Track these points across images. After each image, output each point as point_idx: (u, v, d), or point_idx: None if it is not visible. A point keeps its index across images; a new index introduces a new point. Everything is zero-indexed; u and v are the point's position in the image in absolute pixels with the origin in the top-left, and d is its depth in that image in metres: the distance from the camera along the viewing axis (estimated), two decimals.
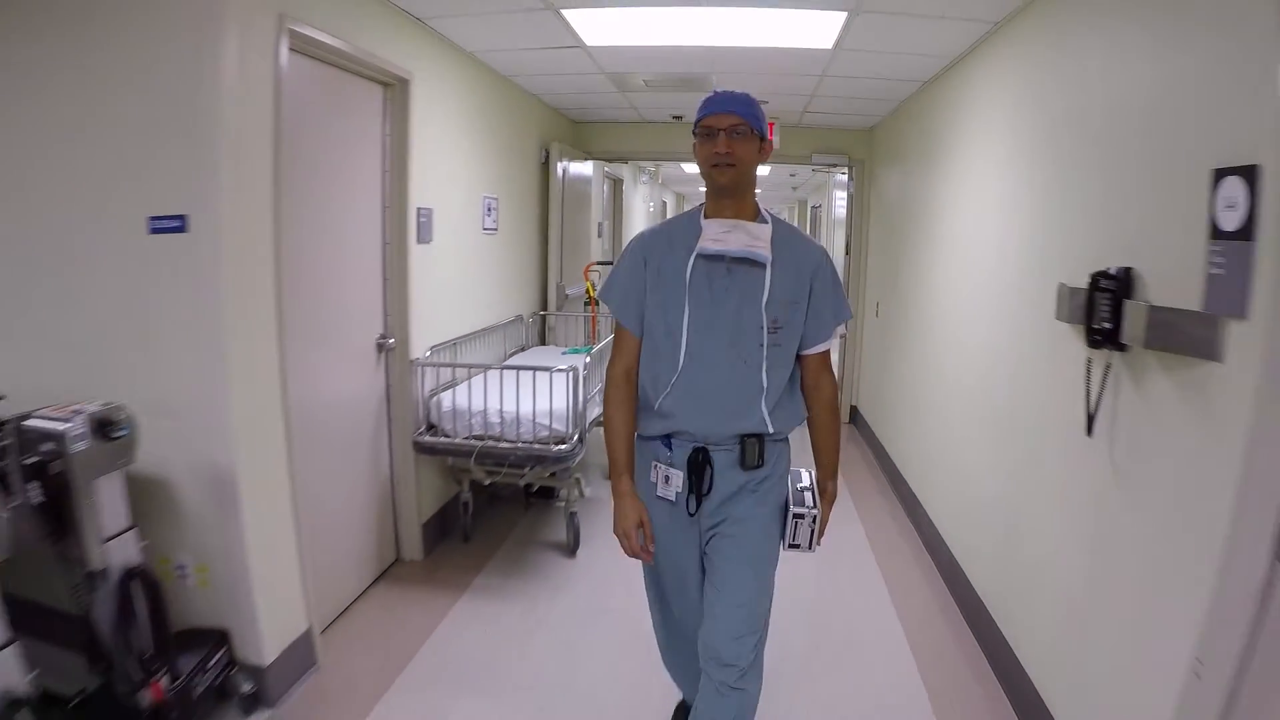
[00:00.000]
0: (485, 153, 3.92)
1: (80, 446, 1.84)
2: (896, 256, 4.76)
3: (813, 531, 1.79)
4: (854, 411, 6.04)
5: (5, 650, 1.73)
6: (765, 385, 1.71)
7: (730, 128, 1.66)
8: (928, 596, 3.15)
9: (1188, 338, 1.55)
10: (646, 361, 1.79)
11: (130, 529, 1.99)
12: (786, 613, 2.51)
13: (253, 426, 2.21)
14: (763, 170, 6.85)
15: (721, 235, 1.71)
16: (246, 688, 2.25)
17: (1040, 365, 2.36)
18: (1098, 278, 1.84)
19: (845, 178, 5.99)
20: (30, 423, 1.84)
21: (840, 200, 6.83)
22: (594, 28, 3.20)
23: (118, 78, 2.07)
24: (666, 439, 1.77)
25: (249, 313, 2.18)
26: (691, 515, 1.78)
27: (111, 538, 1.94)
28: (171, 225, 2.09)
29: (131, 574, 1.97)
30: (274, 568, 2.32)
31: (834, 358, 6.72)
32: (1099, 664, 1.89)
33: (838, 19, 2.90)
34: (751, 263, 1.70)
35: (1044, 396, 2.32)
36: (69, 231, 2.17)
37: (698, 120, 1.71)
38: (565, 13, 2.96)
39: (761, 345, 1.70)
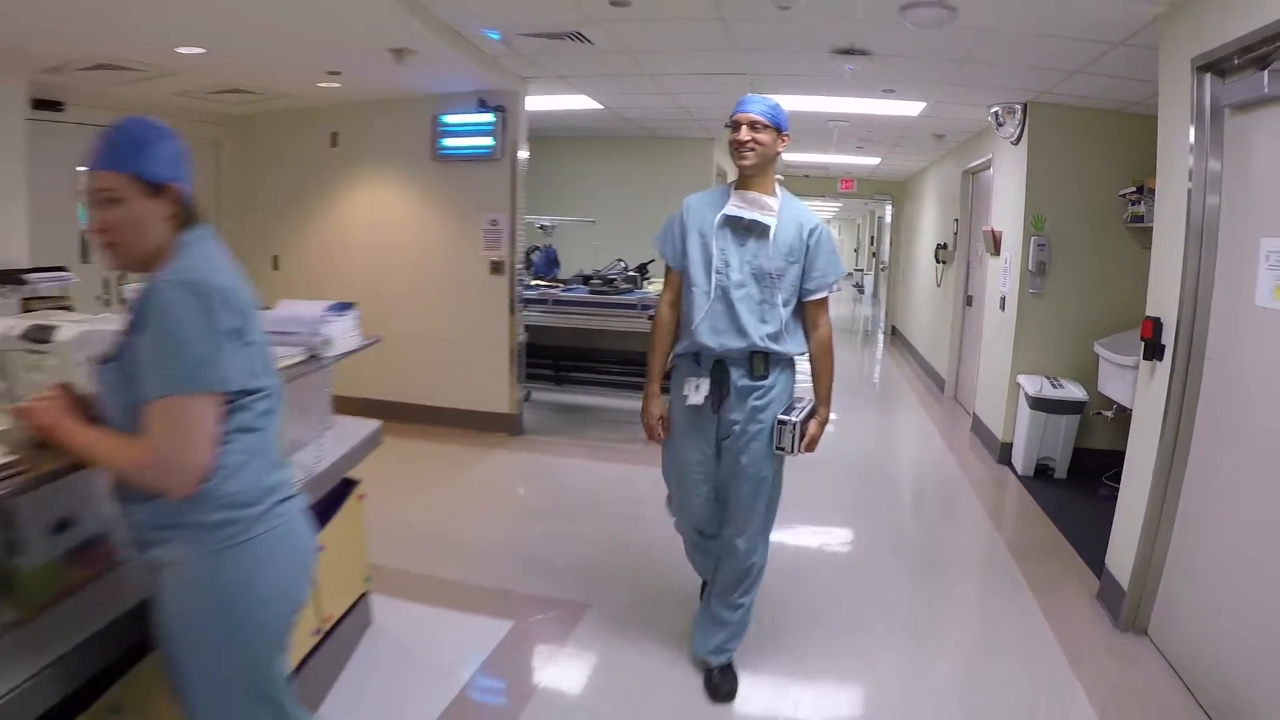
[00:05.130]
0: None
1: None
2: (909, 246, 10.07)
3: (794, 438, 2.21)
4: (894, 329, 11.29)
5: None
6: (778, 315, 2.21)
7: (751, 122, 2.14)
8: (914, 379, 8.38)
9: (949, 258, 6.89)
10: (685, 296, 2.29)
11: None
12: (861, 393, 7.92)
13: None
14: (848, 198, 12.12)
15: (742, 203, 2.21)
16: None
17: (927, 272, 7.77)
18: (938, 244, 7.23)
19: (890, 206, 11.29)
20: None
21: (889, 216, 12.09)
22: None
23: (662, 173, 7.59)
24: (695, 356, 2.27)
25: None
26: (715, 412, 2.26)
27: None
28: None
29: None
30: None
31: (883, 304, 12.12)
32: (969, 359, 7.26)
33: (877, 159, 8.28)
34: (763, 224, 2.20)
35: (930, 278, 7.71)
36: (628, 223, 7.71)
37: (730, 116, 2.19)
38: None
39: (769, 287, 2.20)
